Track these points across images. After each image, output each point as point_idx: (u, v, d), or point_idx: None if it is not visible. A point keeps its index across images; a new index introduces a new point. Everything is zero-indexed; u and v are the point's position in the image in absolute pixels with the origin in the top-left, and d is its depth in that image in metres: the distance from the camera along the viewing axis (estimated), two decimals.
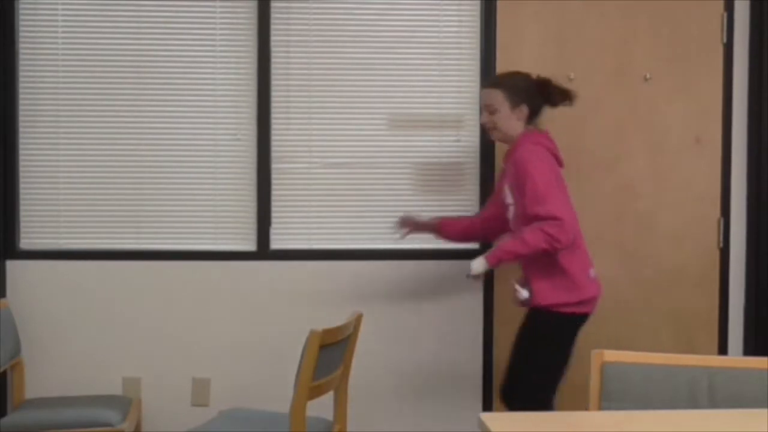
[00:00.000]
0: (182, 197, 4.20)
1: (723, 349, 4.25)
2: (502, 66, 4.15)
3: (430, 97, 4.20)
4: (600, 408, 2.44)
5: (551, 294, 3.51)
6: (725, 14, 4.21)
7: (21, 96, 4.13)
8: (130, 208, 4.18)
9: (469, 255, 3.67)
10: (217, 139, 4.20)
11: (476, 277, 3.50)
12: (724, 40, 4.22)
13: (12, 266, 4.11)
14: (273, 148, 4.19)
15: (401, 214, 3.95)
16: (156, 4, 4.15)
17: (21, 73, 4.12)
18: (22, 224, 4.15)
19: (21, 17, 4.11)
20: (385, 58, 4.21)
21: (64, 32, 4.14)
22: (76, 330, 4.14)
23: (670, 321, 4.24)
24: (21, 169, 4.14)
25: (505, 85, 3.66)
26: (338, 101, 4.21)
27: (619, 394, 2.44)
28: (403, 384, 4.23)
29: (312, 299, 4.15)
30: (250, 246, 4.20)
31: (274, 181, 4.19)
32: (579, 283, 3.54)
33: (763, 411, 2.25)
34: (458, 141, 4.21)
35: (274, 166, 4.19)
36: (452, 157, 4.21)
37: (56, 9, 4.13)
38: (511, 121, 3.64)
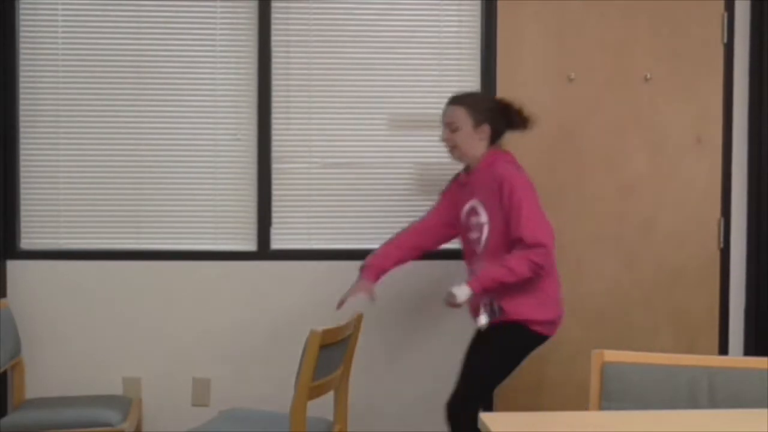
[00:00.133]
0: (182, 197, 4.20)
1: (723, 349, 4.25)
2: (502, 66, 4.16)
3: (430, 97, 4.20)
4: (600, 408, 2.44)
5: (525, 309, 3.46)
6: (725, 14, 4.21)
7: (21, 96, 4.13)
8: (130, 208, 4.18)
9: None
10: (217, 139, 4.20)
11: (458, 305, 3.41)
12: (725, 40, 4.22)
13: (12, 266, 4.11)
14: (273, 148, 4.19)
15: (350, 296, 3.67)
16: (156, 4, 4.15)
17: (21, 73, 4.12)
18: (22, 224, 4.15)
19: (21, 17, 4.12)
20: (386, 58, 4.21)
21: (64, 32, 4.14)
22: (76, 330, 4.14)
23: (670, 321, 4.24)
24: (21, 169, 4.14)
25: (469, 103, 3.58)
26: (338, 101, 4.21)
27: (619, 394, 2.45)
28: (403, 384, 4.23)
29: (312, 299, 4.15)
30: (251, 246, 4.20)
31: (274, 181, 4.20)
32: (551, 302, 3.51)
33: (763, 411, 2.25)
34: None
35: (275, 166, 4.19)
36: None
37: (56, 9, 4.13)
38: (473, 140, 3.56)
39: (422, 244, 3.80)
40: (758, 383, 2.41)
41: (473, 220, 3.56)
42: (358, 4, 4.21)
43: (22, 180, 4.14)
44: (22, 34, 4.12)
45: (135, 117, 4.16)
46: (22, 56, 4.12)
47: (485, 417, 2.16)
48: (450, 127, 3.59)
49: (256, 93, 4.17)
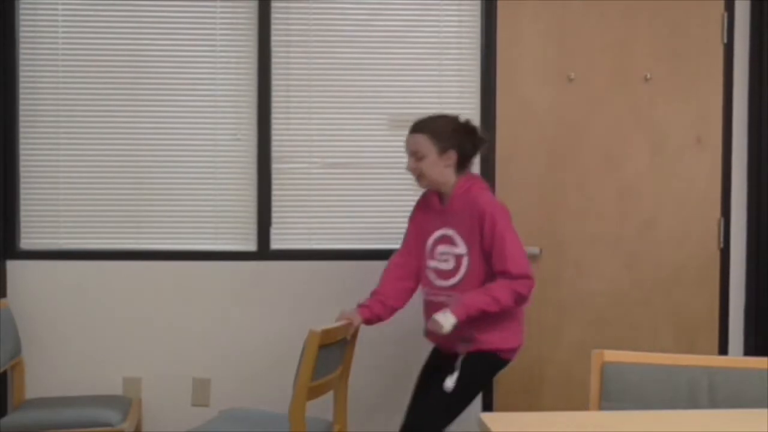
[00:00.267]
0: (182, 197, 4.20)
1: (723, 349, 4.25)
2: (502, 66, 4.16)
3: (430, 97, 4.20)
4: (600, 408, 2.45)
5: (496, 338, 3.36)
6: (725, 14, 4.21)
7: (21, 96, 4.13)
8: (130, 208, 4.18)
9: None
10: (217, 139, 4.20)
11: (443, 334, 3.27)
12: (725, 41, 4.22)
13: (12, 266, 4.11)
14: (273, 148, 4.19)
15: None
16: (156, 4, 4.15)
17: (21, 73, 4.12)
18: (22, 224, 4.15)
19: (21, 17, 4.12)
20: (386, 58, 4.21)
21: (64, 32, 4.14)
22: (76, 330, 4.14)
23: (670, 321, 4.24)
24: (21, 169, 4.14)
25: (431, 129, 3.42)
26: (338, 101, 4.21)
27: (619, 394, 2.45)
28: (403, 384, 4.23)
29: (312, 299, 4.15)
30: (251, 246, 4.20)
31: (274, 181, 4.19)
32: (519, 329, 3.44)
33: (763, 411, 2.25)
34: None
35: (275, 166, 4.19)
36: None
37: (56, 9, 4.13)
38: (439, 167, 3.40)
39: (408, 287, 3.58)
40: (758, 383, 2.41)
41: (442, 248, 3.42)
42: (357, 5, 4.21)
43: (22, 180, 4.14)
44: (22, 34, 4.12)
45: (135, 117, 4.16)
46: (22, 56, 4.12)
47: (485, 417, 2.16)
48: (415, 155, 3.43)
49: (256, 93, 4.17)
